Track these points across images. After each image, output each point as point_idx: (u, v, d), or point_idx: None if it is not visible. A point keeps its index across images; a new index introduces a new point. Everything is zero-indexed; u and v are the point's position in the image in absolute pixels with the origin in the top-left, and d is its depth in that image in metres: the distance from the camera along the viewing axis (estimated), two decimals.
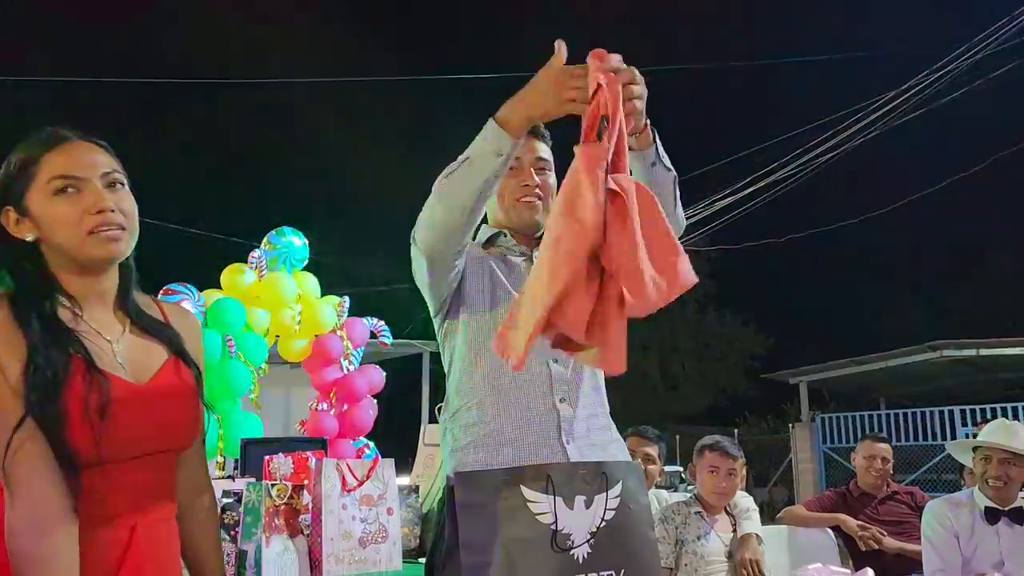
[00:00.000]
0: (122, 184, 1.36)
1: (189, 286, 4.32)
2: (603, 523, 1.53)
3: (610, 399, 1.79)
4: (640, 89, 1.47)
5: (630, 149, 1.61)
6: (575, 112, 1.43)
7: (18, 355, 1.24)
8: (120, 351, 1.36)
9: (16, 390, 1.22)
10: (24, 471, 1.22)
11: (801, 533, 4.04)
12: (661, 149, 1.65)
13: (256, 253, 4.59)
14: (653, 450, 3.48)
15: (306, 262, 4.86)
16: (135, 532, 1.32)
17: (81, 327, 1.32)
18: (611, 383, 1.67)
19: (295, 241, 4.69)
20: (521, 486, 1.48)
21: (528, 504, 1.47)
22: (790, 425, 14.56)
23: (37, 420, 1.21)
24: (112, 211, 1.31)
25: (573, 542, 1.49)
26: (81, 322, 1.33)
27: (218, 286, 4.58)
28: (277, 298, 4.54)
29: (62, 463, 1.23)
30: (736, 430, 16.80)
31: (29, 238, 1.33)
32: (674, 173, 1.70)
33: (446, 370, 1.76)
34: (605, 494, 1.55)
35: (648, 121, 1.57)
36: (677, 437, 16.05)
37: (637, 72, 1.47)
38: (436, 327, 1.80)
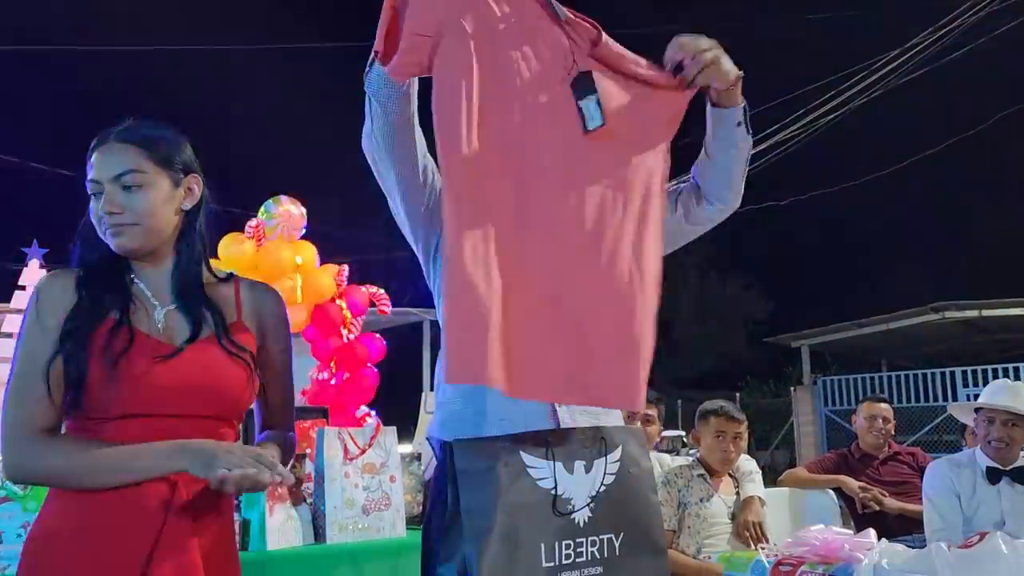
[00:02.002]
0: (137, 186, 1.50)
1: None
2: (603, 487, 1.54)
3: None
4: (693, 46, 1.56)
5: (713, 105, 1.67)
6: None
7: (65, 313, 1.46)
8: (161, 317, 1.52)
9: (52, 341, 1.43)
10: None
11: (803, 495, 4.06)
12: (747, 111, 1.68)
13: (253, 222, 4.56)
14: (652, 410, 3.48)
15: (304, 231, 4.82)
16: (176, 488, 1.42)
17: (133, 290, 1.52)
18: None
19: (292, 210, 4.65)
20: (521, 452, 1.48)
21: (528, 469, 1.48)
22: (792, 388, 14.62)
23: (64, 361, 1.42)
24: (117, 213, 1.49)
25: (574, 506, 1.50)
26: (138, 290, 1.53)
27: (216, 256, 4.56)
28: (276, 268, 4.51)
29: (73, 398, 1.43)
30: (738, 394, 16.87)
31: None
32: (751, 141, 1.74)
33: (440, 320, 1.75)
34: (604, 459, 1.56)
35: (740, 75, 1.61)
36: (679, 401, 16.14)
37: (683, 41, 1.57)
38: (427, 277, 1.78)
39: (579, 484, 1.51)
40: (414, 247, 1.77)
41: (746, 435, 3.36)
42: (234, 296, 1.63)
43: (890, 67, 10.49)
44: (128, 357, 1.43)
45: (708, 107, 1.70)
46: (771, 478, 4.45)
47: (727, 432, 3.27)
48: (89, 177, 1.52)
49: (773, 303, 25.61)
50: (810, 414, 13.40)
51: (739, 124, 1.67)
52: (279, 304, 1.69)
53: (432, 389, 1.82)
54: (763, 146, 11.23)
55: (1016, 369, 11.31)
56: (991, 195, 27.63)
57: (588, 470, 1.53)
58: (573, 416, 1.61)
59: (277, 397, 1.68)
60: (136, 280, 1.55)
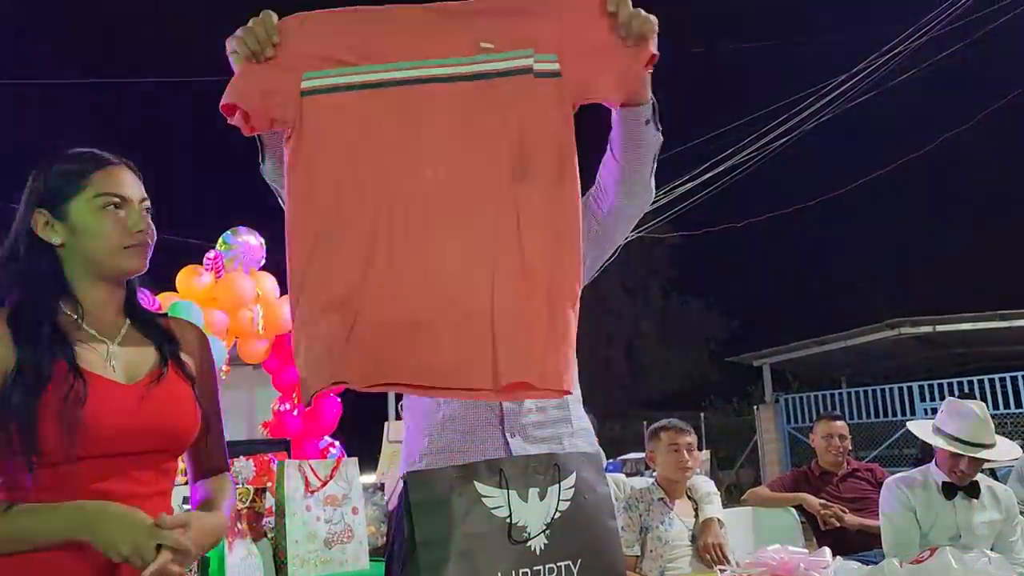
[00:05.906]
0: (150, 214, 1.54)
1: (144, 290, 4.23)
2: (558, 514, 1.55)
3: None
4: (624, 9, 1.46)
5: (623, 106, 1.56)
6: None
7: (3, 366, 1.36)
8: (114, 352, 1.48)
9: None
10: None
11: (765, 514, 4.10)
12: (656, 108, 1.61)
13: (211, 254, 4.52)
14: None
15: (264, 261, 4.79)
16: None
17: (78, 334, 1.44)
18: (578, 372, 1.66)
19: (251, 241, 4.62)
20: (475, 482, 1.49)
21: (483, 499, 1.49)
22: (754, 407, 14.74)
23: (15, 422, 1.32)
24: (147, 232, 1.51)
25: (529, 533, 1.51)
26: (80, 329, 1.46)
27: (174, 289, 4.51)
28: (235, 299, 4.48)
29: (29, 459, 1.33)
30: (703, 414, 16.97)
31: (56, 241, 1.47)
32: (661, 139, 1.65)
33: None
34: (558, 485, 1.56)
35: (650, 70, 1.51)
36: (644, 423, 16.16)
37: None
38: None
39: (533, 511, 1.52)
40: None
41: (696, 446, 3.42)
42: (170, 331, 1.61)
43: (840, 90, 10.76)
44: (85, 407, 1.36)
45: (615, 112, 1.62)
46: (737, 497, 4.49)
47: (679, 443, 3.34)
48: (110, 191, 1.48)
49: (734, 323, 25.88)
50: (773, 432, 13.52)
51: (647, 122, 1.60)
52: (206, 339, 1.68)
53: (397, 417, 1.82)
54: (720, 169, 11.43)
55: (971, 383, 11.56)
56: (942, 213, 28.33)
57: (542, 497, 1.54)
58: (524, 446, 1.64)
59: (215, 438, 1.63)
60: (75, 315, 1.47)
